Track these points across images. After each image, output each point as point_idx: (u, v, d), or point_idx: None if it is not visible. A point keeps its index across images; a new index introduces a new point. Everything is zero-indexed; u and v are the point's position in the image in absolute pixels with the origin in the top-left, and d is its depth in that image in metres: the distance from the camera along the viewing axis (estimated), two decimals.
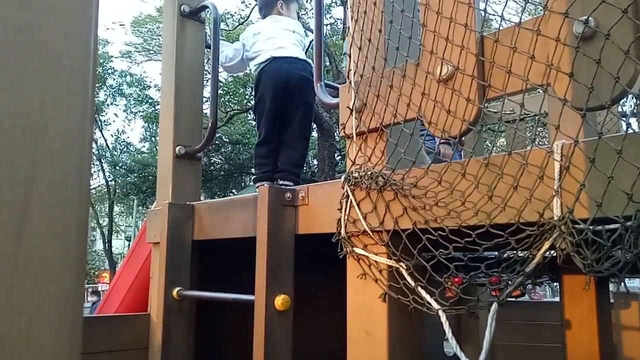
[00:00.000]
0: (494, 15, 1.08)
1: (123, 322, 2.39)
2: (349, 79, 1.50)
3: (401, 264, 1.35)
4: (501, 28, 1.11)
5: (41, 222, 0.44)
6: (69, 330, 0.51)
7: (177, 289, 2.08)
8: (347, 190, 1.49)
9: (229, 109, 16.25)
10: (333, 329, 1.69)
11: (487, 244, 1.12)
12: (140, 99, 21.46)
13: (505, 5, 1.01)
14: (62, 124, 0.45)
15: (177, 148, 2.34)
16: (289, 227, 1.68)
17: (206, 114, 2.55)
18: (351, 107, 1.47)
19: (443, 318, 1.23)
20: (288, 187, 1.73)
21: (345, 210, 1.50)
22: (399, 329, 1.40)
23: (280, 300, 1.60)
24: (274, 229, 1.64)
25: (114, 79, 22.25)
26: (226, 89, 16.25)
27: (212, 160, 16.91)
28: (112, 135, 23.04)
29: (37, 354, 0.48)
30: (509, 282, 1.16)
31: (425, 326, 1.61)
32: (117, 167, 20.98)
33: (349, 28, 1.49)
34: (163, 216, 2.15)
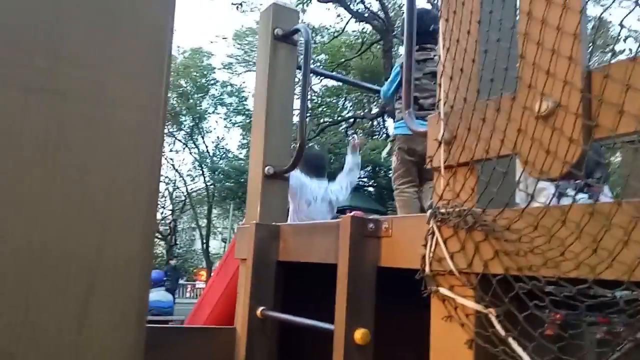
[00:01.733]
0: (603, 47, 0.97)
1: (210, 334, 2.47)
2: (438, 109, 1.43)
3: (490, 310, 1.25)
4: (612, 62, 0.99)
5: (102, 313, 0.44)
6: None
7: (261, 308, 2.11)
8: (433, 227, 1.42)
9: (321, 121, 16.52)
10: None
11: (589, 302, 1.00)
12: (238, 109, 22.48)
13: (617, 40, 0.90)
14: (126, 214, 0.45)
15: (267, 168, 2.38)
16: (371, 259, 1.64)
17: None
18: (440, 139, 1.40)
19: None
20: (371, 218, 1.69)
21: (431, 248, 1.43)
22: None
23: (360, 334, 1.56)
24: (355, 259, 1.61)
25: (216, 89, 23.51)
26: (320, 100, 16.54)
27: None
28: (212, 142, 24.33)
29: None
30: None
31: None
32: (216, 173, 22.10)
33: (439, 56, 1.42)
34: (250, 235, 2.20)
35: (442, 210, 1.38)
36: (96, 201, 0.43)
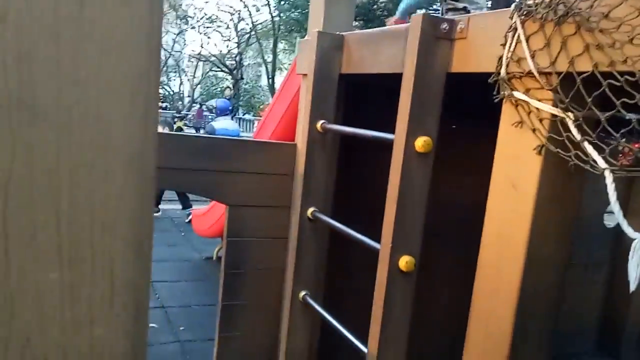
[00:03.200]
0: None
1: (272, 149, 2.53)
2: None
3: (568, 113, 1.14)
4: None
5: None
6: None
7: (321, 121, 2.09)
8: (515, 22, 1.25)
9: None
10: (477, 180, 1.58)
11: None
12: None
13: None
14: None
15: None
16: (441, 64, 1.51)
17: None
18: None
19: (609, 179, 1.04)
20: (446, 18, 1.52)
21: (510, 46, 1.28)
22: (550, 187, 1.24)
23: (421, 142, 1.50)
24: (423, 64, 1.48)
25: None
26: None
27: None
28: None
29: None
30: None
31: (585, 192, 1.42)
32: (282, 2, 21.16)
33: None
34: (312, 47, 2.09)
35: (530, 2, 1.20)
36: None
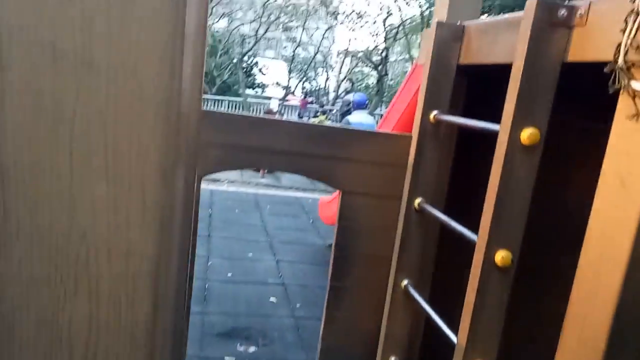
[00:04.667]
0: None
1: (388, 140, 2.57)
2: None
3: None
4: None
5: None
6: None
7: (435, 112, 2.08)
8: (637, 5, 1.14)
9: None
10: (585, 177, 1.46)
11: None
12: None
13: None
14: None
15: None
16: (556, 52, 1.42)
17: None
18: None
19: None
20: (564, 4, 1.42)
21: (630, 32, 1.17)
22: None
23: (527, 134, 1.44)
24: (535, 51, 1.41)
25: None
26: None
27: None
28: None
29: None
30: None
31: None
32: None
33: None
34: (431, 36, 2.08)
35: None
36: None
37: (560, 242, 2.40)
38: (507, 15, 1.85)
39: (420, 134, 2.13)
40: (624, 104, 1.21)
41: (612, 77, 1.23)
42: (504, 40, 1.73)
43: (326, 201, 4.99)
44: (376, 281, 2.58)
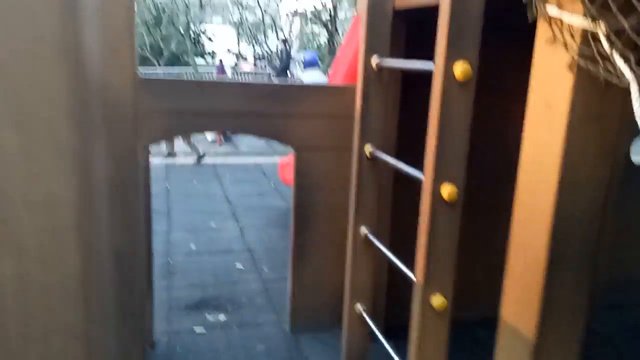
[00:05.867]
0: None
1: (335, 92, 2.59)
2: None
3: (599, 22, 1.07)
4: None
5: None
6: None
7: (375, 58, 2.10)
8: None
9: None
10: (519, 106, 1.53)
11: None
12: None
13: None
14: None
15: None
16: None
17: None
18: None
19: (634, 88, 0.98)
20: None
21: None
22: (585, 105, 1.18)
23: (460, 69, 1.48)
24: None
25: None
26: None
27: None
28: None
29: None
30: None
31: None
32: None
33: None
34: None
35: None
36: None
37: (504, 175, 2.51)
38: None
39: (364, 82, 2.16)
40: (542, 30, 1.26)
41: (529, 4, 1.27)
42: None
43: (286, 162, 5.00)
44: (338, 233, 2.64)
